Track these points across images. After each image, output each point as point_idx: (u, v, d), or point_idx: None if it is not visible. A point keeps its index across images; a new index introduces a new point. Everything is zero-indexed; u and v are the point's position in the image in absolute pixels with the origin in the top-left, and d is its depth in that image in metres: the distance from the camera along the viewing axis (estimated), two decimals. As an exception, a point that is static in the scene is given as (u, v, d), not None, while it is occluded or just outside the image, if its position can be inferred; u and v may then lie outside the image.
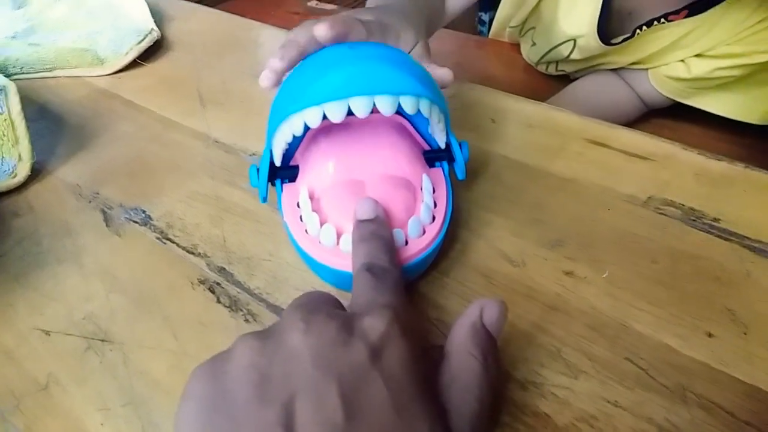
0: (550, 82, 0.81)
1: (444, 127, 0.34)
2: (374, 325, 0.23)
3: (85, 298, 0.34)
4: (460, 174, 0.36)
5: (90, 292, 0.35)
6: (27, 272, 0.36)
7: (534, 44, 0.78)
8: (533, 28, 0.77)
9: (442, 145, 0.35)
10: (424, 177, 0.34)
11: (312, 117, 0.30)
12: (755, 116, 0.64)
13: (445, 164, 0.37)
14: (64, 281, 0.36)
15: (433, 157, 0.37)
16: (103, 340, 0.32)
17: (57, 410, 0.29)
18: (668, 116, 0.73)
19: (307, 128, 0.31)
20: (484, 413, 0.23)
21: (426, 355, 0.25)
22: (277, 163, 0.34)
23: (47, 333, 0.33)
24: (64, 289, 0.35)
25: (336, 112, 0.30)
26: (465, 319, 0.26)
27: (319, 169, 0.34)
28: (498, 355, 0.25)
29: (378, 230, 0.31)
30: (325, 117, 0.30)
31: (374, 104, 0.30)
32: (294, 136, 0.32)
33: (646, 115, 0.75)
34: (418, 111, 0.31)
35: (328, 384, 0.21)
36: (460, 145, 0.36)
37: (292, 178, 0.36)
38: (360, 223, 0.31)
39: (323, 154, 0.35)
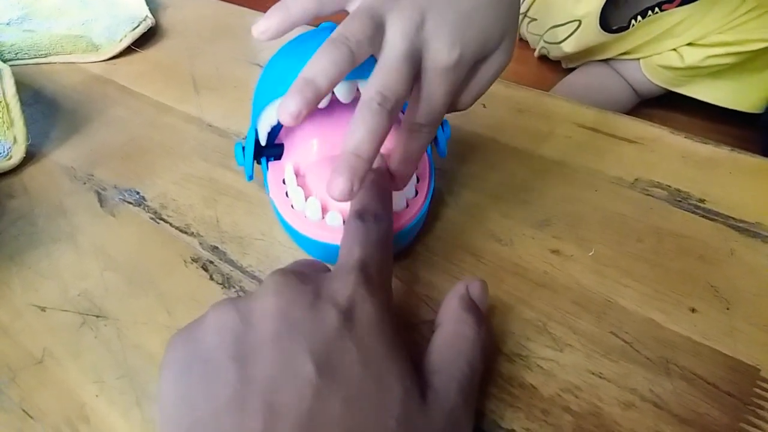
0: (547, 73, 0.82)
1: None
2: (340, 289, 0.23)
3: (79, 276, 0.35)
4: (442, 152, 0.37)
5: (85, 270, 0.35)
6: (22, 251, 0.37)
7: (535, 20, 0.79)
8: (535, 2, 0.78)
9: None
10: None
11: None
12: (746, 104, 0.65)
13: None
14: (59, 260, 0.36)
15: None
16: (97, 316, 0.32)
17: (52, 383, 0.30)
18: (658, 107, 0.74)
19: None
20: (475, 378, 0.24)
21: (414, 328, 0.25)
22: (263, 143, 0.35)
23: (42, 309, 0.33)
24: (59, 267, 0.36)
25: None
26: (453, 294, 0.27)
27: (304, 147, 0.35)
28: (487, 326, 0.26)
29: (377, 179, 0.30)
30: None
31: (357, 89, 0.30)
32: (278, 120, 0.32)
33: (637, 106, 0.75)
34: None
35: (297, 342, 0.21)
36: (441, 124, 0.36)
37: (278, 156, 0.36)
38: None
39: (308, 132, 0.35)
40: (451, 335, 0.25)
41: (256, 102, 0.35)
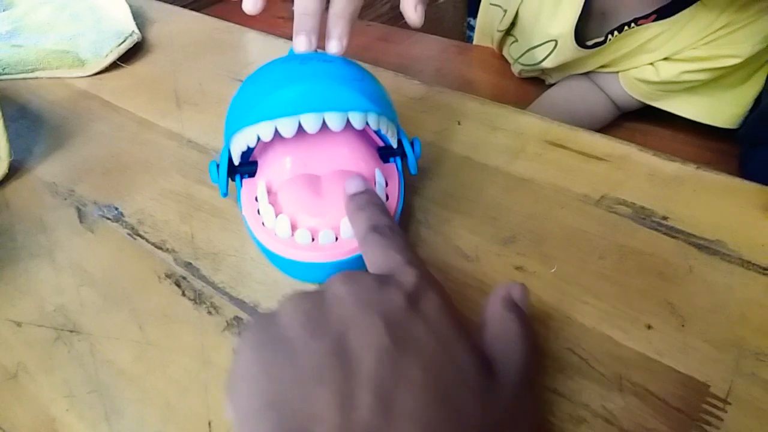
0: (528, 87, 0.82)
1: (395, 132, 0.36)
2: (406, 278, 0.25)
3: (56, 291, 0.36)
4: (413, 169, 0.38)
5: (61, 285, 0.36)
6: (1, 267, 0.38)
7: (516, 40, 0.80)
8: (514, 25, 0.79)
9: (395, 145, 0.37)
10: (377, 172, 0.36)
11: (264, 131, 0.32)
12: (721, 119, 0.66)
13: (399, 160, 0.38)
14: (37, 275, 0.37)
15: (386, 153, 0.38)
16: (71, 331, 0.33)
17: (25, 397, 0.30)
18: (640, 121, 0.75)
19: (260, 139, 0.33)
20: (531, 370, 0.25)
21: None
22: (236, 162, 0.36)
23: (18, 324, 0.34)
24: (37, 282, 0.36)
25: (287, 128, 0.32)
26: (495, 296, 0.28)
27: (277, 165, 0.36)
28: (529, 320, 0.28)
29: (372, 198, 0.32)
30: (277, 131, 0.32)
31: (324, 120, 0.32)
32: (248, 146, 0.33)
33: (619, 119, 0.76)
34: (367, 123, 0.33)
35: (372, 319, 0.23)
36: (411, 142, 0.37)
37: (252, 174, 0.37)
38: (352, 196, 0.32)
39: (281, 150, 0.36)
40: (498, 331, 0.26)
41: (229, 122, 0.36)
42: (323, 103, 0.31)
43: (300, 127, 0.32)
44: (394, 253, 0.28)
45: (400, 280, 0.25)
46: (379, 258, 0.28)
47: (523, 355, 0.25)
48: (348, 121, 0.32)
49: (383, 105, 0.34)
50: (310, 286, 0.35)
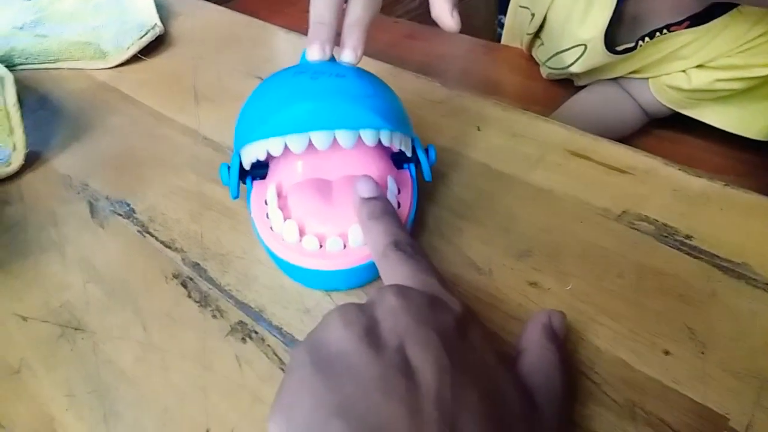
0: (556, 90, 0.81)
1: (409, 144, 0.35)
2: (453, 305, 0.25)
3: (63, 287, 0.36)
4: (427, 176, 0.37)
5: (68, 281, 0.36)
6: (11, 259, 0.38)
7: (543, 44, 0.78)
8: (543, 28, 0.77)
9: (409, 153, 0.36)
10: (390, 179, 0.35)
11: (274, 147, 0.32)
12: (754, 131, 0.64)
13: (413, 166, 0.37)
14: (45, 270, 0.37)
15: (400, 159, 0.37)
16: (76, 329, 0.33)
17: (26, 394, 0.30)
18: (669, 129, 0.73)
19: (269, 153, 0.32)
20: (565, 396, 0.26)
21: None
22: (246, 168, 0.35)
23: (24, 319, 0.34)
24: (45, 277, 0.36)
25: (297, 144, 0.31)
26: (536, 322, 0.28)
27: (288, 168, 0.35)
28: (567, 352, 0.28)
29: (387, 206, 0.31)
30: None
31: (334, 137, 0.31)
32: (258, 159, 0.33)
33: (648, 126, 0.74)
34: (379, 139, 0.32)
35: (430, 334, 0.22)
36: (426, 149, 0.36)
37: (263, 176, 0.37)
38: (365, 201, 0.32)
39: (292, 154, 0.35)
40: (537, 361, 0.26)
41: (239, 133, 0.35)
42: (334, 120, 0.31)
43: (310, 142, 0.31)
44: (426, 276, 0.27)
45: (449, 305, 0.25)
46: (406, 278, 0.27)
47: (561, 388, 0.25)
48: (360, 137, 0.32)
49: (396, 120, 0.33)
50: (317, 293, 0.34)
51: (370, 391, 0.20)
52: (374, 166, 0.35)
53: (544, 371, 0.26)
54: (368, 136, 0.32)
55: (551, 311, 0.29)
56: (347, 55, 0.34)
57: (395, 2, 1.33)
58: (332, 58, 0.34)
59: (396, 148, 0.34)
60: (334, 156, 0.34)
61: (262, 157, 0.33)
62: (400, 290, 0.24)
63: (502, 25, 0.93)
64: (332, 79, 0.32)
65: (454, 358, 0.22)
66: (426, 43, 0.95)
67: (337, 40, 0.34)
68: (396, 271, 0.27)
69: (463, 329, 0.24)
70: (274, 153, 0.32)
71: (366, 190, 0.32)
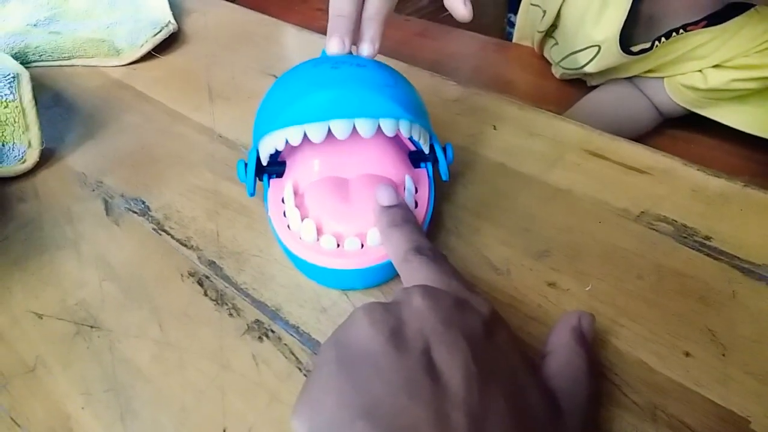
0: (569, 89, 0.80)
1: (428, 138, 0.35)
2: (481, 307, 0.25)
3: (79, 285, 0.36)
4: (444, 175, 0.36)
5: (84, 278, 0.36)
6: (27, 257, 0.38)
7: (557, 44, 0.78)
8: (556, 27, 0.77)
9: (426, 150, 0.35)
10: (407, 177, 0.34)
11: (293, 135, 0.31)
12: (770, 131, 0.63)
13: (430, 165, 0.37)
14: (61, 267, 0.37)
15: (417, 158, 0.37)
16: (92, 327, 0.33)
17: (42, 392, 0.30)
18: (684, 128, 0.72)
19: (288, 143, 0.32)
20: (592, 402, 0.25)
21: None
22: (264, 163, 0.35)
23: (40, 316, 0.34)
24: (60, 274, 0.36)
25: (317, 133, 0.31)
26: (565, 324, 0.28)
27: (305, 166, 0.35)
28: (594, 356, 0.27)
29: (407, 214, 0.31)
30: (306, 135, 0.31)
31: (354, 126, 0.31)
32: (276, 149, 0.33)
33: (662, 126, 0.74)
34: (398, 130, 0.32)
35: (456, 337, 0.22)
36: (444, 147, 0.36)
37: (280, 174, 0.37)
38: (386, 209, 0.32)
39: (310, 151, 0.35)
40: (564, 364, 0.26)
41: (258, 124, 0.35)
42: (354, 109, 0.30)
43: (329, 131, 0.31)
44: (450, 279, 0.27)
45: (476, 306, 0.25)
46: (430, 282, 0.27)
47: (588, 394, 0.25)
48: (379, 127, 0.31)
49: (416, 111, 0.33)
50: (333, 292, 0.34)
51: (396, 394, 0.20)
52: (391, 165, 0.35)
53: (572, 376, 0.25)
54: (388, 126, 0.31)
55: (581, 313, 0.28)
56: (366, 47, 0.34)
57: (405, 0, 1.32)
58: (350, 53, 0.34)
59: (414, 140, 0.34)
60: (352, 153, 0.34)
61: (281, 147, 0.32)
62: (427, 291, 0.24)
63: (511, 24, 0.93)
64: (353, 69, 0.32)
65: (480, 362, 0.22)
66: (437, 42, 0.94)
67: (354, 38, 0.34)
68: (419, 275, 0.27)
69: (490, 331, 0.24)
70: (293, 142, 0.31)
71: (386, 198, 0.32)
